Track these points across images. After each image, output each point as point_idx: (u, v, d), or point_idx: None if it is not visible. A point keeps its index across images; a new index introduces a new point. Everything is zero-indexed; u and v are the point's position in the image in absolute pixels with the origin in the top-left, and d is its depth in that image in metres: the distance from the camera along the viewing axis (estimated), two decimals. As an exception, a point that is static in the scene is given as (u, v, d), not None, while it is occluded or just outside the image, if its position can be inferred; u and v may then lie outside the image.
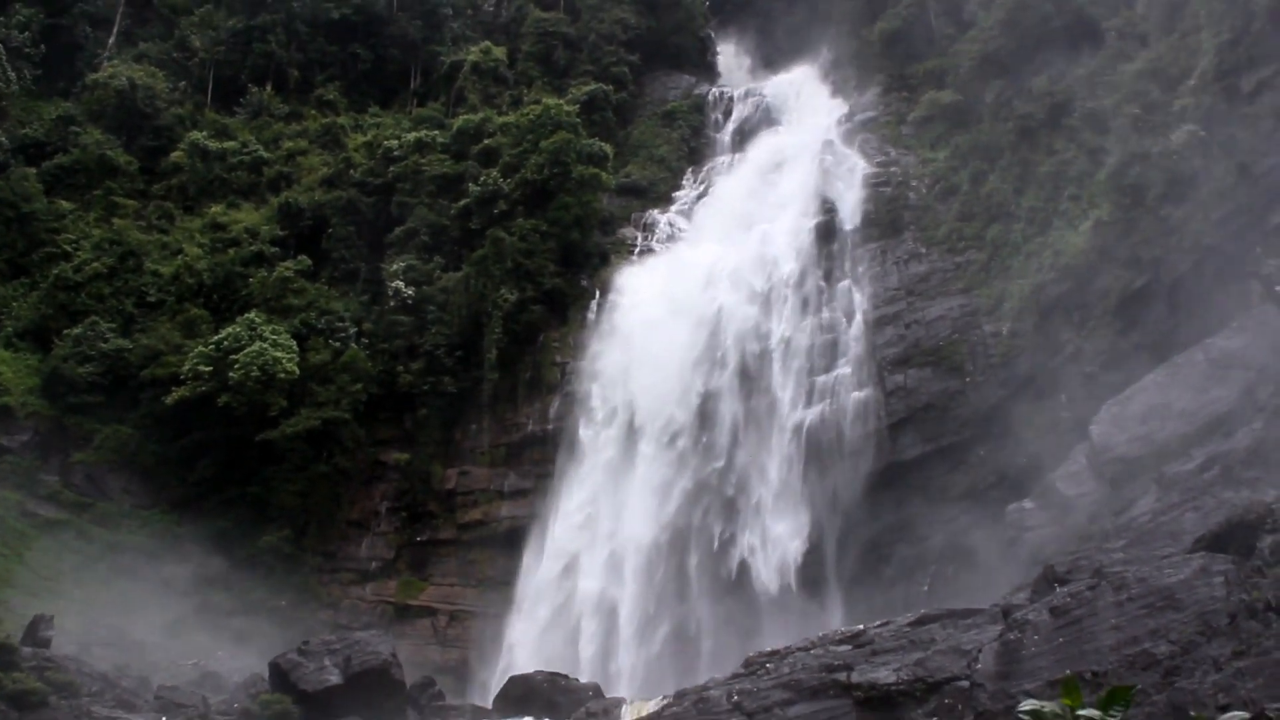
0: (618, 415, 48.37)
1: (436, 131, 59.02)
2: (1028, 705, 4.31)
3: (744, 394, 47.13)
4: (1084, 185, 43.68)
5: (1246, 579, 22.49)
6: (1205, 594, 22.28)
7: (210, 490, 48.81)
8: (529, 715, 34.44)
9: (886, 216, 49.70)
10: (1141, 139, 41.53)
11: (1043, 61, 48.13)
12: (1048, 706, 4.25)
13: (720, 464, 46.02)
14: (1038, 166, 46.32)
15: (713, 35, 74.27)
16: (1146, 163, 40.79)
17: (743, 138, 60.64)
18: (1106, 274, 40.64)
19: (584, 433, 48.60)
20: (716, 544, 44.80)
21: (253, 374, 47.25)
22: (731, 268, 50.01)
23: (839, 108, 59.21)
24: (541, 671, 37.92)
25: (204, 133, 59.42)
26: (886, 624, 27.89)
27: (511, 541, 48.37)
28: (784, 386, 46.30)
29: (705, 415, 47.05)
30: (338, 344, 50.97)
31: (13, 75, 53.71)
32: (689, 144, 61.07)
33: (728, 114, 63.51)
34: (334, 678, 34.84)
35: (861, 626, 28.43)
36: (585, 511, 47.22)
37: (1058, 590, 24.66)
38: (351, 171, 57.73)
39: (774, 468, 45.14)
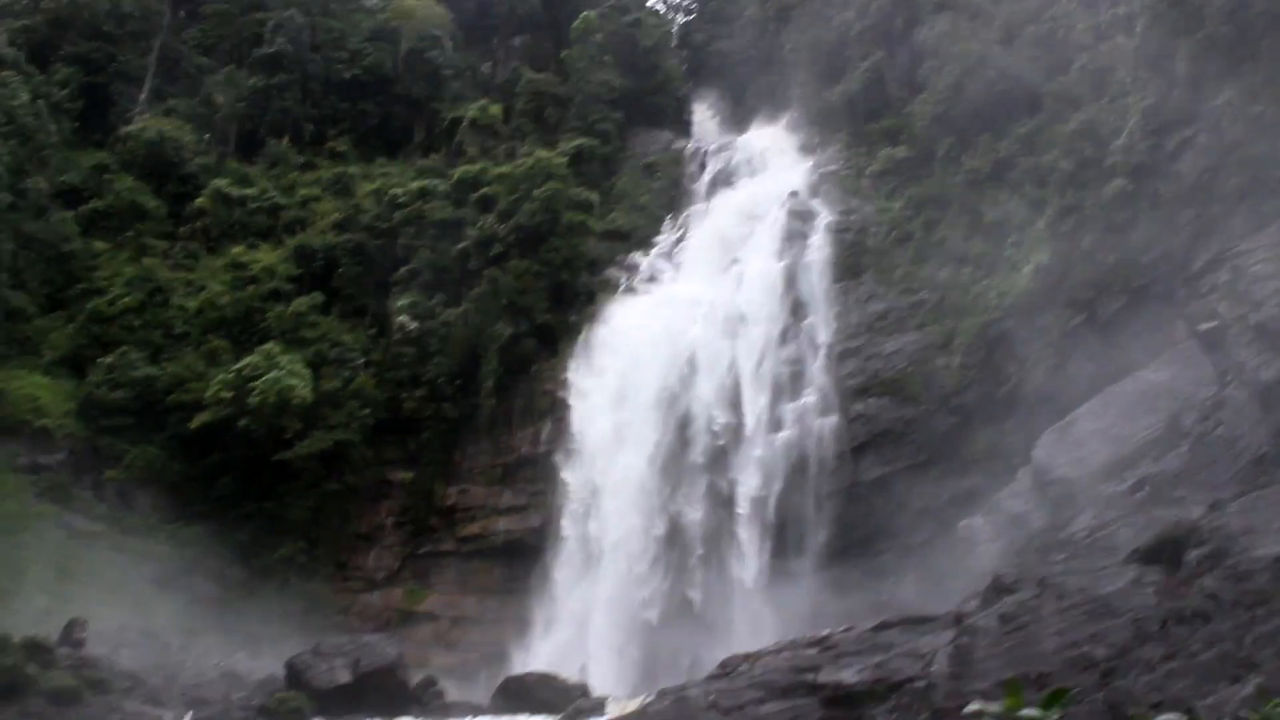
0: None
1: (438, 180, 58.93)
2: (974, 706, 4.24)
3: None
4: (1026, 233, 43.94)
5: (1175, 589, 22.48)
6: (1138, 602, 22.26)
7: (230, 505, 48.71)
8: (523, 712, 34.28)
9: (848, 260, 49.83)
10: (1076, 192, 41.98)
11: (988, 121, 48.50)
12: (993, 707, 4.18)
13: None
14: (984, 215, 46.57)
15: (690, 96, 74.72)
16: (1081, 213, 41.23)
17: (717, 188, 60.59)
18: (1046, 313, 40.91)
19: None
20: None
21: (270, 400, 47.26)
22: (706, 304, 50.07)
23: (804, 162, 59.14)
24: (534, 672, 37.84)
25: (226, 180, 59.54)
26: (850, 629, 27.84)
27: (507, 554, 48.41)
28: (753, 409, 46.33)
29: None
30: (348, 373, 50.95)
31: (53, 128, 53.88)
32: (668, 193, 60.70)
33: (703, 167, 63.13)
34: (344, 677, 34.86)
35: (828, 632, 28.36)
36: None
37: (1005, 599, 24.55)
38: (361, 216, 57.82)
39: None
